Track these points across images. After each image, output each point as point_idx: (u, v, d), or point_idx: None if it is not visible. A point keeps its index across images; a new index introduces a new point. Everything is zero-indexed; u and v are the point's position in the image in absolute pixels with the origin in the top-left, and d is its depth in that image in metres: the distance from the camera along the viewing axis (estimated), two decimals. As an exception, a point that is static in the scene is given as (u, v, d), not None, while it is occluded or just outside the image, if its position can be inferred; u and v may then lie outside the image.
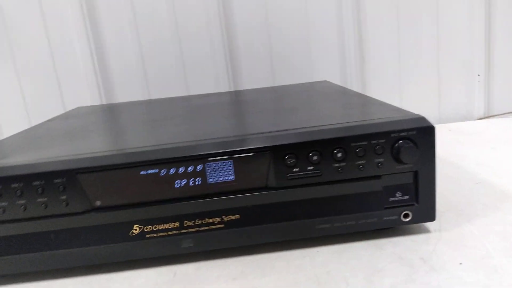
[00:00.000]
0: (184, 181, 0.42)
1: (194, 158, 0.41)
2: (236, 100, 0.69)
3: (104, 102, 0.91)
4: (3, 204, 0.40)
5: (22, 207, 0.40)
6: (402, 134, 0.41)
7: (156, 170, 0.41)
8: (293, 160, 0.40)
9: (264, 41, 0.90)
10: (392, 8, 0.89)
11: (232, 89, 0.91)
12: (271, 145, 0.40)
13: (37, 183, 0.39)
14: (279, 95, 0.69)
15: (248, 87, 0.91)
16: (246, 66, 0.90)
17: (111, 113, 0.70)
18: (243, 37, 0.89)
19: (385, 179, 0.42)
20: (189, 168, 0.41)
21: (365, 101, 0.55)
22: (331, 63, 0.91)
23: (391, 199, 0.43)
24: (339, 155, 0.40)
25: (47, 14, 0.87)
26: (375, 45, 0.90)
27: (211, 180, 0.42)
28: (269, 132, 0.42)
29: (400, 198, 0.43)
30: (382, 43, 0.90)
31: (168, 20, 0.88)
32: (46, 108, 0.91)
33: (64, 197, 0.40)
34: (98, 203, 0.41)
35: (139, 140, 0.47)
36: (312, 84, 0.80)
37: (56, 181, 0.39)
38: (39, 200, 0.40)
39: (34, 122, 0.92)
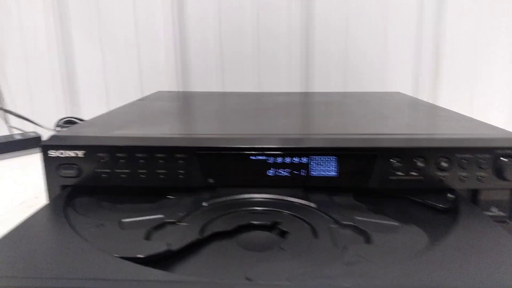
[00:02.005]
0: (288, 171, 0.44)
1: (301, 150, 0.43)
2: (319, 101, 0.71)
3: (181, 90, 0.95)
4: (125, 170, 0.43)
5: (143, 175, 0.43)
6: (507, 151, 0.42)
7: (265, 157, 0.44)
8: (399, 164, 0.42)
9: (340, 49, 0.92)
10: (472, 26, 0.89)
11: (303, 90, 0.94)
12: (380, 146, 0.42)
13: (160, 155, 0.43)
14: (359, 101, 0.71)
15: (318, 90, 0.93)
16: (320, 69, 0.93)
17: (197, 100, 0.74)
18: (320, 39, 0.92)
19: (483, 194, 0.44)
20: (295, 159, 0.44)
21: (457, 116, 0.56)
22: (402, 75, 0.92)
23: (486, 213, 0.44)
24: (444, 164, 0.42)
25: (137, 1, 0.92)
26: (451, 62, 0.91)
27: (314, 173, 0.44)
28: (375, 134, 0.45)
29: (495, 213, 0.44)
30: (458, 61, 0.91)
31: (251, 19, 0.92)
32: (125, 89, 0.96)
33: (182, 171, 0.43)
34: (210, 180, 0.44)
35: (245, 128, 0.50)
36: (385, 94, 0.82)
37: (177, 155, 0.43)
38: (158, 171, 0.43)
39: (112, 102, 0.97)
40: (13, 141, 0.84)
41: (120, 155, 0.43)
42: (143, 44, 0.95)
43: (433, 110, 0.61)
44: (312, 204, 0.41)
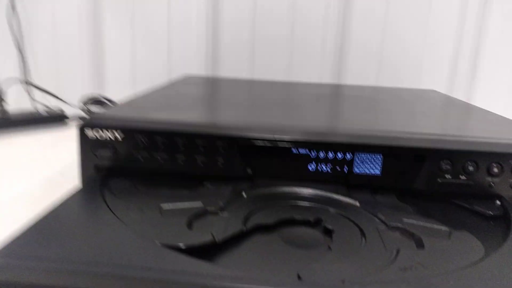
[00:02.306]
0: (329, 166, 0.43)
1: (346, 146, 0.42)
2: (356, 95, 0.69)
3: (209, 73, 0.93)
4: (164, 155, 0.42)
5: (181, 161, 0.42)
6: None
7: (306, 151, 0.43)
8: (448, 167, 0.41)
9: (377, 41, 0.89)
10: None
11: (335, 81, 0.91)
12: (430, 147, 0.41)
13: (200, 142, 0.42)
14: (396, 97, 0.68)
15: (351, 82, 0.91)
16: (354, 60, 0.90)
17: (230, 86, 0.72)
18: (357, 29, 0.89)
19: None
20: (338, 155, 0.42)
21: (502, 119, 0.54)
22: (438, 72, 0.90)
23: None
24: (495, 170, 0.40)
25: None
26: (490, 63, 0.88)
27: (357, 170, 0.43)
28: (423, 134, 0.43)
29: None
30: (498, 62, 0.88)
31: (286, 4, 0.90)
32: (152, 70, 0.95)
33: (221, 159, 0.42)
34: (249, 171, 0.43)
35: (285, 119, 0.48)
36: (421, 91, 0.79)
37: (218, 143, 0.42)
38: (197, 158, 0.42)
39: (139, 82, 0.96)
40: (38, 116, 0.84)
41: (160, 139, 0.42)
42: (174, 25, 0.93)
43: (477, 112, 0.59)
44: (356, 202, 0.40)
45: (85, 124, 0.42)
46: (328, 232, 0.35)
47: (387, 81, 0.91)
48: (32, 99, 0.91)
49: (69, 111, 0.88)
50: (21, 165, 0.64)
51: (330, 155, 0.42)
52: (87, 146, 0.43)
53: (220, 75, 0.94)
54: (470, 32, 0.87)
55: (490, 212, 0.39)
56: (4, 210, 0.48)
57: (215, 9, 0.91)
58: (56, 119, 0.86)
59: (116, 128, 0.42)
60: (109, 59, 0.97)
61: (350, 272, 0.28)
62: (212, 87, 0.71)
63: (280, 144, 0.42)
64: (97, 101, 0.85)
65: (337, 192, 0.41)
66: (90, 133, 0.42)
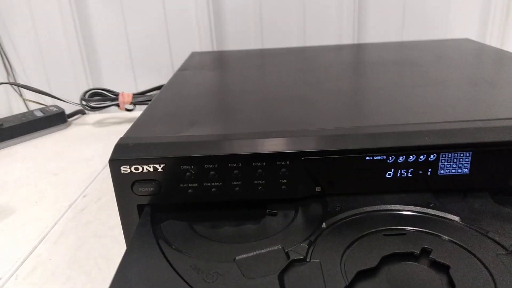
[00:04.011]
0: (410, 170, 0.36)
1: (429, 147, 0.35)
2: (393, 59, 0.61)
3: (215, 49, 0.84)
4: (217, 183, 0.35)
5: (238, 188, 0.36)
6: None
7: (383, 157, 0.36)
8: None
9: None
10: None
11: (356, 42, 0.83)
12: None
13: (257, 164, 0.35)
14: (439, 56, 0.61)
15: (373, 41, 0.82)
16: (374, 18, 0.81)
17: (252, 65, 0.63)
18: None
19: None
20: (420, 157, 0.36)
21: None
22: (468, 19, 0.81)
23: None
24: None
25: None
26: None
27: (442, 172, 0.36)
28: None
29: None
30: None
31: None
32: (150, 49, 0.85)
33: (284, 180, 0.35)
34: (318, 188, 0.36)
35: (345, 116, 0.41)
36: (453, 41, 0.71)
37: (279, 162, 0.35)
38: (256, 181, 0.35)
39: (137, 65, 0.86)
40: (35, 119, 0.75)
41: (210, 166, 0.35)
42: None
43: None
44: (453, 217, 0.34)
45: (117, 159, 0.35)
46: (439, 266, 0.29)
47: (413, 35, 0.82)
48: (24, 101, 0.82)
49: (68, 108, 0.79)
50: (30, 185, 0.57)
51: (411, 158, 0.36)
52: (124, 184, 0.35)
53: (229, 48, 0.84)
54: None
55: None
56: (30, 265, 0.42)
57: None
58: (54, 119, 0.77)
59: (155, 159, 0.34)
60: (100, 44, 0.86)
61: None
62: (230, 68, 0.62)
63: (353, 153, 0.35)
64: (97, 95, 0.76)
65: (427, 205, 0.35)
66: (125, 168, 0.35)
